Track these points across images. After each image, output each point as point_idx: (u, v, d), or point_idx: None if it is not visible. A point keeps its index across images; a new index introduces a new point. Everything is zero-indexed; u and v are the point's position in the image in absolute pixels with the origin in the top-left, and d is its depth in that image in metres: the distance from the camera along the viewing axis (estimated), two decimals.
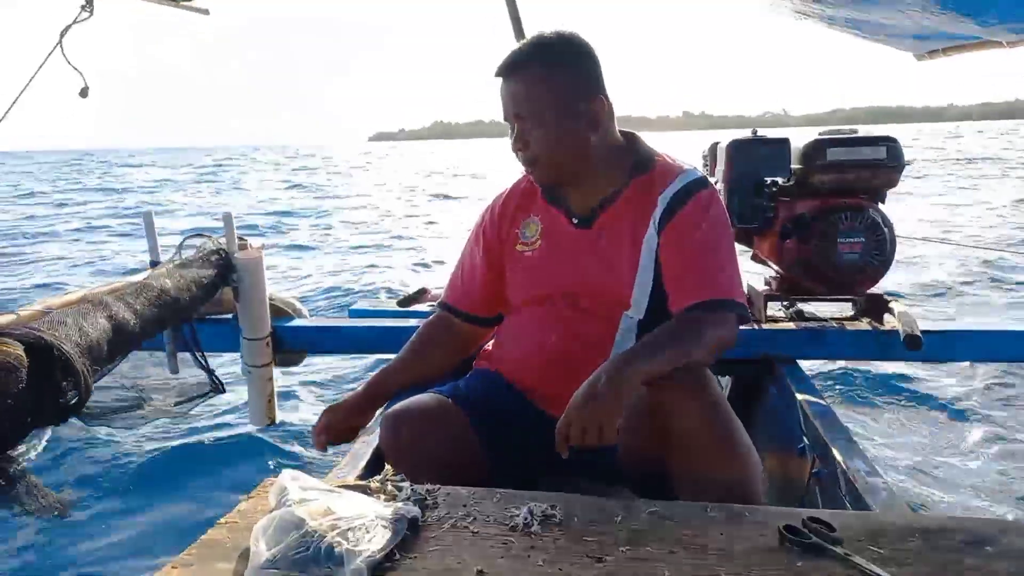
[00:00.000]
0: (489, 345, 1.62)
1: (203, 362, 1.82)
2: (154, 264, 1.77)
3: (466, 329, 1.58)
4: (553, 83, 1.32)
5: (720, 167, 2.01)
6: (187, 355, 1.82)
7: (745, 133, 2.01)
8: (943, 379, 3.64)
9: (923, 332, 1.70)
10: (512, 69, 1.34)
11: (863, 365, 3.61)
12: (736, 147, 1.97)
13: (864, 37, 2.14)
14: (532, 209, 1.50)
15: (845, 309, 2.06)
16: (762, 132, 1.99)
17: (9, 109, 1.89)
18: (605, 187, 1.41)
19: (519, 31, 2.49)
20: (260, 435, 3.01)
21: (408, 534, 0.96)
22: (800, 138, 1.97)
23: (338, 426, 1.49)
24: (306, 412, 3.40)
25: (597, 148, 1.37)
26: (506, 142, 1.39)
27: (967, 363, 3.47)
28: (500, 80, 1.36)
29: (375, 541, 0.89)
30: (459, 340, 1.59)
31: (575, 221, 1.43)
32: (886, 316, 1.91)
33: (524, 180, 1.53)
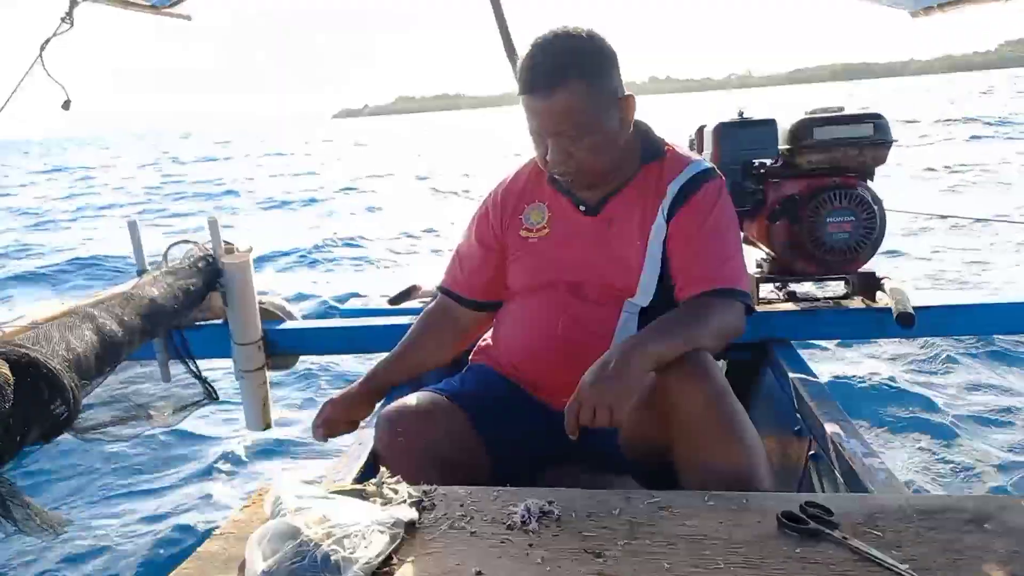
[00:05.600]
0: (484, 340, 1.61)
1: (195, 370, 1.80)
2: (140, 273, 1.75)
3: (465, 315, 1.57)
4: (596, 95, 1.29)
5: (707, 150, 2.00)
6: (179, 363, 1.80)
7: (744, 103, 1.99)
8: (940, 353, 3.65)
9: (916, 308, 1.70)
10: (552, 86, 1.26)
11: (858, 344, 3.61)
12: (722, 130, 1.95)
13: None
14: (538, 195, 1.49)
15: (837, 289, 2.05)
16: (747, 113, 1.98)
17: None
18: (616, 176, 1.40)
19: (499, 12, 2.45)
20: (257, 440, 3.00)
21: (405, 537, 0.96)
22: (786, 118, 1.96)
23: (338, 418, 1.47)
24: (302, 414, 3.39)
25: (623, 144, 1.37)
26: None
27: (963, 337, 3.47)
28: (530, 96, 1.29)
29: (372, 547, 0.88)
30: (458, 326, 1.57)
31: (583, 208, 1.42)
32: (879, 294, 1.90)
33: (530, 166, 1.52)
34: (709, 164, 1.42)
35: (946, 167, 11.19)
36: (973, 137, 15.85)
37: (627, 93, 1.34)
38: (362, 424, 1.52)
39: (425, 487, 1.10)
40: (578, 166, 1.33)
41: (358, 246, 8.54)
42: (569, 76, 1.26)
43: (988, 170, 10.78)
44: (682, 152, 1.44)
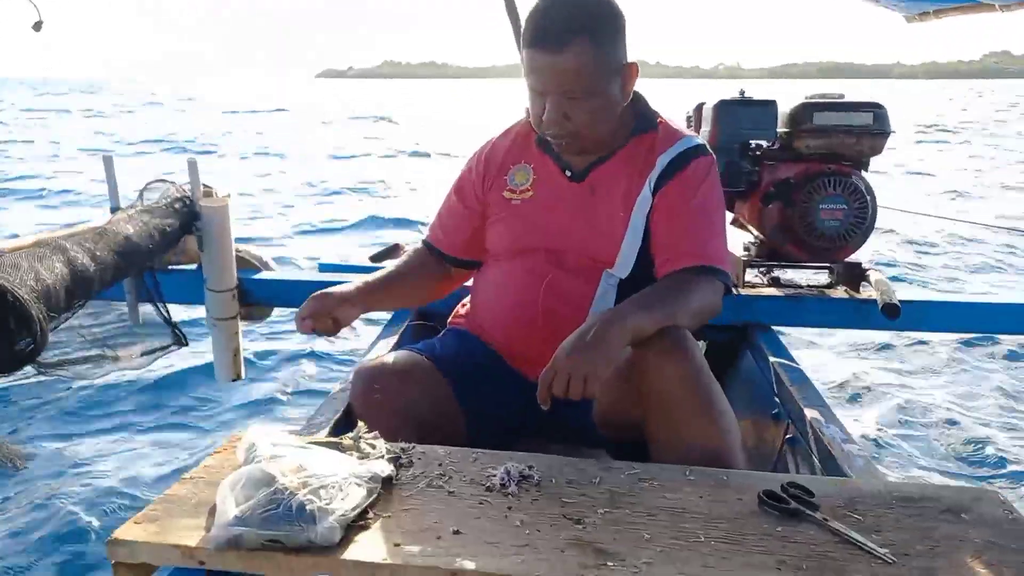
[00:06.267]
0: (464, 304, 1.58)
1: (165, 314, 1.76)
2: (114, 210, 1.69)
3: (442, 269, 1.55)
4: (602, 57, 1.25)
5: (705, 128, 1.98)
6: (148, 306, 1.75)
7: (733, 93, 1.97)
8: (919, 348, 3.70)
9: (901, 301, 1.70)
10: (561, 43, 1.22)
11: (840, 333, 3.65)
12: (722, 108, 1.93)
13: None
14: (525, 156, 1.45)
15: (821, 278, 2.06)
16: (748, 93, 1.96)
17: None
18: (606, 144, 1.37)
19: None
20: (225, 391, 2.95)
21: (382, 493, 0.93)
22: (787, 101, 1.94)
23: (324, 313, 1.36)
24: (273, 368, 3.34)
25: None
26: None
27: (944, 333, 3.52)
28: (536, 50, 1.25)
29: (348, 499, 0.86)
30: (434, 279, 1.55)
31: (568, 174, 1.39)
32: (863, 284, 1.91)
33: (519, 126, 1.48)
34: (701, 140, 1.40)
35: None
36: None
37: (630, 61, 1.31)
38: (342, 334, 1.42)
39: (403, 444, 1.08)
40: (573, 129, 1.29)
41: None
42: (580, 35, 1.22)
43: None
44: (675, 126, 1.41)
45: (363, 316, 1.47)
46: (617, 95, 1.31)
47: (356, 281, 1.46)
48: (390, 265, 1.55)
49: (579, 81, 1.24)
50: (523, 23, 1.29)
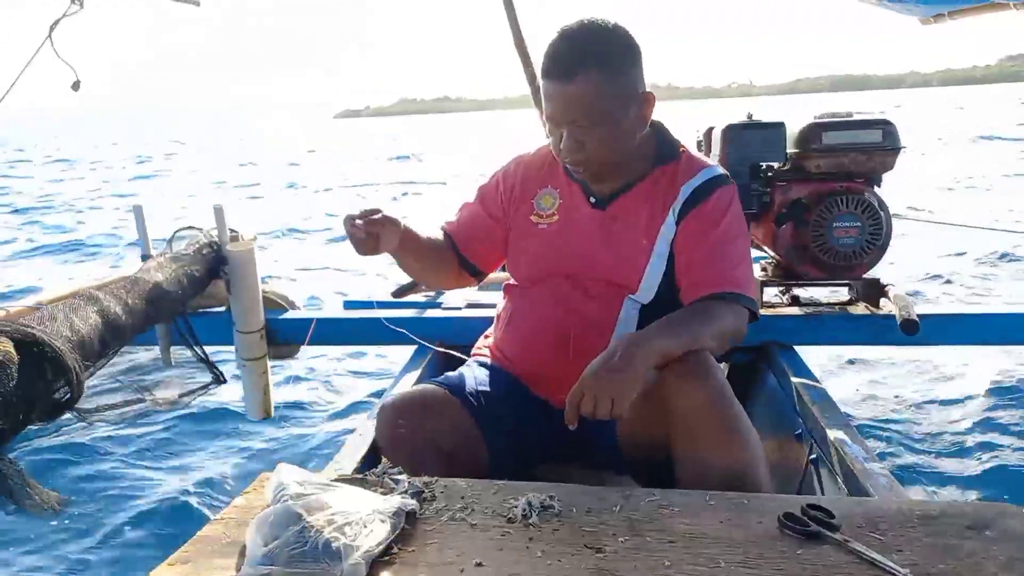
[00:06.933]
0: (486, 335, 1.61)
1: (202, 353, 1.81)
2: (145, 258, 1.75)
3: (452, 259, 1.56)
4: (615, 87, 1.29)
5: (715, 151, 2.00)
6: (181, 348, 1.80)
7: (743, 114, 1.99)
8: (940, 364, 3.64)
9: (920, 316, 1.70)
10: (571, 73, 1.26)
11: (861, 350, 3.60)
12: (731, 131, 1.95)
13: (870, 3, 2.11)
14: (552, 180, 1.49)
15: (841, 294, 2.05)
16: (756, 116, 1.97)
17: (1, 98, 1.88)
18: (629, 173, 1.41)
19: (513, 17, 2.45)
20: (257, 428, 3.00)
21: (406, 527, 0.96)
22: (795, 122, 1.96)
23: (373, 222, 1.32)
24: (302, 405, 3.39)
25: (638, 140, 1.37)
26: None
27: (965, 347, 3.48)
28: (549, 81, 1.29)
29: (373, 535, 0.88)
30: (445, 262, 1.56)
31: (592, 200, 1.43)
32: (882, 300, 1.90)
33: (547, 148, 1.51)
34: (723, 171, 1.44)
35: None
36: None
37: (647, 90, 1.34)
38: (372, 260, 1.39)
39: (426, 478, 1.10)
40: (588, 156, 1.33)
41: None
42: (588, 65, 1.26)
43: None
44: (697, 156, 1.45)
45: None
46: (632, 123, 1.34)
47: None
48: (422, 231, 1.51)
49: (589, 109, 1.28)
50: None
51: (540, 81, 1.32)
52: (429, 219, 1.68)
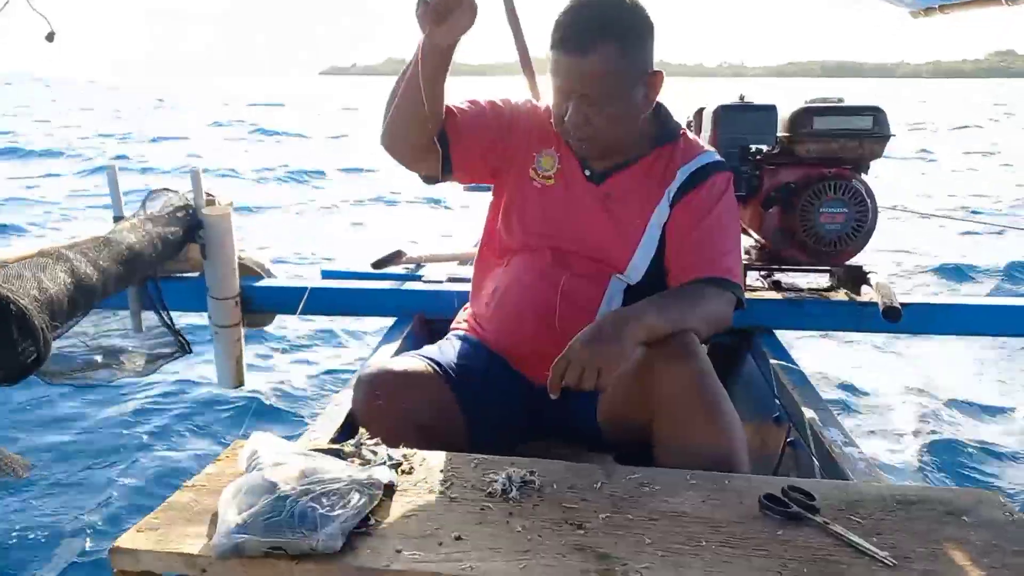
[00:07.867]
0: (466, 309, 1.59)
1: (168, 321, 1.76)
2: (117, 219, 1.70)
3: (432, 134, 1.36)
4: (630, 64, 1.25)
5: (706, 132, 1.98)
6: (152, 314, 1.76)
7: (732, 97, 1.98)
8: (920, 352, 3.69)
9: (902, 304, 1.70)
10: (588, 46, 1.21)
11: (840, 336, 3.64)
12: (722, 112, 1.94)
13: None
14: (556, 142, 1.44)
15: (822, 281, 2.06)
16: (748, 98, 1.96)
17: None
18: (628, 151, 1.38)
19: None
20: (227, 398, 2.96)
21: (384, 499, 0.94)
22: (787, 105, 1.94)
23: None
24: (275, 375, 3.34)
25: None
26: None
27: (945, 336, 3.53)
28: (563, 53, 1.24)
29: (350, 506, 0.86)
30: (424, 127, 1.33)
31: (587, 173, 1.40)
32: (864, 287, 1.91)
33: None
34: (720, 157, 1.42)
35: None
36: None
37: (656, 70, 1.31)
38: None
39: (405, 450, 1.08)
40: (594, 133, 1.30)
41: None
42: (605, 39, 1.22)
43: None
44: (696, 140, 1.44)
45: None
46: (640, 102, 1.31)
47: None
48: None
49: (602, 85, 1.25)
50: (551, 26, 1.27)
51: (549, 52, 1.27)
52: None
